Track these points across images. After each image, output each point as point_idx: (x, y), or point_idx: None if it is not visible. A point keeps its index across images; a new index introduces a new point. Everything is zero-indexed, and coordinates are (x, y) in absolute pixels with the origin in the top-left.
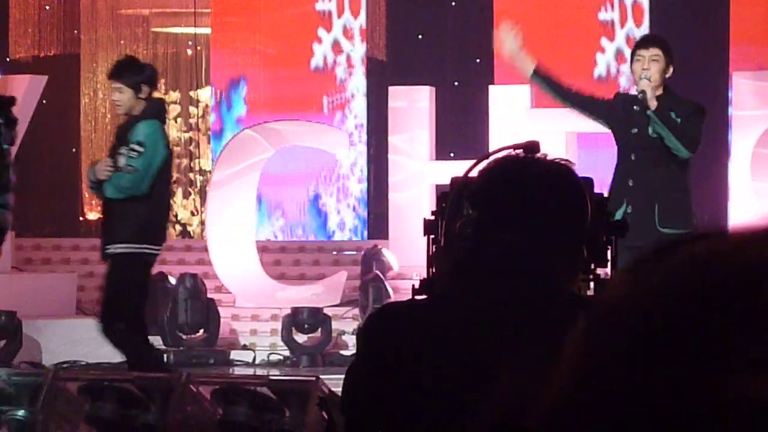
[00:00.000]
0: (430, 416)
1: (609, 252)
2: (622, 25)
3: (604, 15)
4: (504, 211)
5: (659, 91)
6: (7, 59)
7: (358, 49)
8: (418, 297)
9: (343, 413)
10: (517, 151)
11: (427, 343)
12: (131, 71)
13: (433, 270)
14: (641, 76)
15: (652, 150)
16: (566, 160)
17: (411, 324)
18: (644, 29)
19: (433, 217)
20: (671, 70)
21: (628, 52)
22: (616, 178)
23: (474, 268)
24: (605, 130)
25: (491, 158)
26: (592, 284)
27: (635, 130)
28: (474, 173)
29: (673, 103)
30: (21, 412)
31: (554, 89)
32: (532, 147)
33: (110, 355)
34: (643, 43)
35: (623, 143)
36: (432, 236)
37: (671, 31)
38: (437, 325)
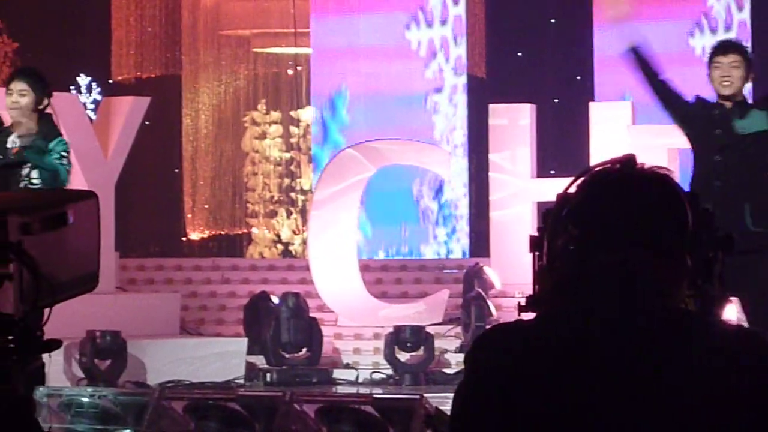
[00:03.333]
0: None
1: (716, 268)
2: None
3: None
4: (604, 226)
5: (738, 98)
6: (110, 81)
7: (455, 69)
8: (524, 315)
9: None
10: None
11: (535, 366)
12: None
13: (538, 288)
14: (722, 83)
15: (738, 149)
16: (665, 168)
17: (519, 347)
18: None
19: (538, 234)
20: (751, 76)
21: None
22: (698, 182)
23: (578, 287)
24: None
25: (588, 173)
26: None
27: (719, 131)
28: (573, 189)
29: (747, 111)
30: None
31: (645, 70)
32: (629, 161)
33: (215, 374)
34: (721, 49)
35: (705, 145)
36: (537, 253)
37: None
38: (545, 349)
